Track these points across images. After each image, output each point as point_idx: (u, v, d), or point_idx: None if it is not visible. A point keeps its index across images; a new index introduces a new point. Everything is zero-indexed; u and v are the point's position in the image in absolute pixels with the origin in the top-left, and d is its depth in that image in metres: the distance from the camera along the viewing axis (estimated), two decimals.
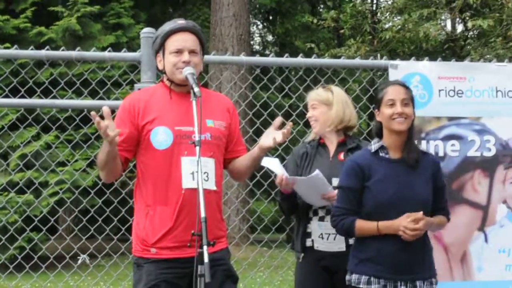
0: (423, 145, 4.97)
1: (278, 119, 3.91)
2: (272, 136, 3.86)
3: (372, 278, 4.00)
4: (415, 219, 3.89)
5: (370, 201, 4.01)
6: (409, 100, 4.08)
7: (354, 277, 4.07)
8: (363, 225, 4.01)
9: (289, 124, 3.90)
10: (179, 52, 3.88)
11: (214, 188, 3.87)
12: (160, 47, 3.95)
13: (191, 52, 3.90)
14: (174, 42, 3.90)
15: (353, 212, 4.05)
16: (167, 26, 3.95)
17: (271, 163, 4.43)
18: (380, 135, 4.16)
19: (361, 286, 4.02)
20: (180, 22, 3.97)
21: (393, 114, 4.00)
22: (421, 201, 4.01)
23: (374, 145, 4.15)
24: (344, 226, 4.05)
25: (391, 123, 4.03)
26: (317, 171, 4.35)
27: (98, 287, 10.24)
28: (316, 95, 4.70)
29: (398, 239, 3.95)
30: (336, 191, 4.28)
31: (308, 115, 4.70)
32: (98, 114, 3.55)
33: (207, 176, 3.78)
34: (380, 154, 4.11)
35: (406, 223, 3.89)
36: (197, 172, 3.55)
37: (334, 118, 4.67)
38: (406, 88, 4.13)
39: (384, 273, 3.98)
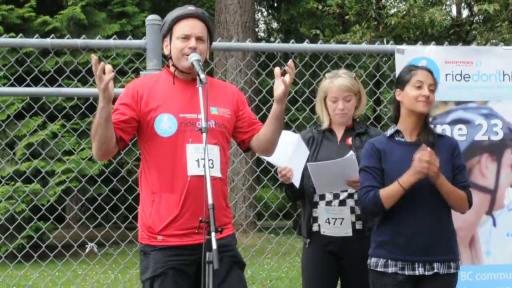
0: None
1: (277, 69, 3.81)
2: (279, 83, 3.79)
3: (389, 261, 4.01)
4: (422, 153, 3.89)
5: (388, 183, 4.00)
6: (434, 87, 4.12)
7: (373, 260, 4.09)
8: (386, 191, 3.98)
9: (288, 65, 3.83)
10: (186, 38, 3.85)
11: (219, 175, 3.85)
12: (168, 32, 3.93)
13: (198, 38, 3.88)
14: (182, 28, 3.88)
15: (376, 188, 4.04)
16: (177, 11, 3.94)
17: (288, 141, 4.39)
18: (396, 118, 4.18)
19: (378, 269, 4.04)
20: (190, 8, 3.95)
21: (419, 96, 4.03)
22: None
23: (390, 130, 4.17)
24: (370, 201, 4.02)
25: (416, 104, 4.05)
26: (351, 152, 4.33)
27: (106, 275, 10.26)
28: (350, 86, 4.59)
29: (415, 221, 3.97)
30: None
31: (340, 107, 4.58)
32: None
33: (212, 163, 3.76)
34: (396, 138, 4.13)
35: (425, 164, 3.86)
36: (204, 159, 3.54)
37: (363, 108, 4.68)
38: (433, 76, 4.17)
39: (401, 255, 3.99)
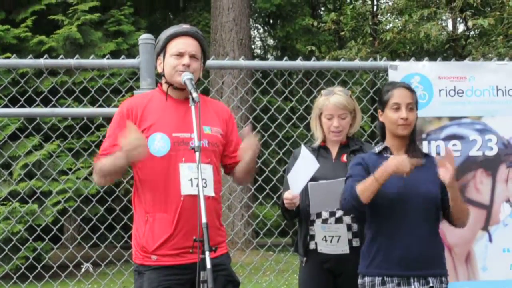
0: (424, 146, 4.95)
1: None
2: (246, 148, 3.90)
3: (385, 278, 3.98)
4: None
5: (377, 197, 3.96)
6: (414, 105, 4.10)
7: (368, 280, 4.04)
8: (362, 183, 3.91)
9: (245, 130, 3.93)
10: (180, 55, 3.89)
11: (213, 194, 3.86)
12: (161, 50, 3.96)
13: (192, 56, 3.91)
14: (176, 45, 3.91)
15: None
16: (171, 29, 3.98)
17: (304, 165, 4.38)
18: (383, 136, 4.19)
19: None
20: (184, 26, 4.01)
21: (398, 119, 4.01)
22: (429, 197, 4.01)
23: (378, 147, 4.17)
24: (348, 197, 3.95)
25: (395, 128, 4.05)
26: None
27: None
28: (346, 103, 4.57)
29: (410, 234, 3.94)
30: None
31: (335, 125, 4.57)
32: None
33: (205, 183, 3.76)
34: (384, 155, 4.12)
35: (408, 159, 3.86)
36: (197, 178, 3.55)
37: (357, 126, 4.67)
38: (412, 91, 4.14)
39: (395, 271, 3.97)
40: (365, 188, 3.90)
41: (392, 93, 4.08)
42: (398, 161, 3.84)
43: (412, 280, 3.97)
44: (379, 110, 4.16)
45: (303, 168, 4.36)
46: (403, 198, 3.95)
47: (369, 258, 4.06)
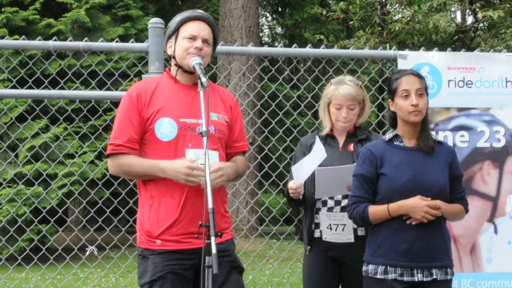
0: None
1: None
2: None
3: (388, 268, 3.98)
4: (433, 207, 3.91)
5: (386, 187, 3.99)
6: (424, 90, 4.09)
7: (371, 267, 4.05)
8: (375, 209, 4.00)
9: None
10: (193, 38, 3.90)
11: None
12: (173, 33, 3.96)
13: (204, 41, 3.92)
14: (189, 28, 3.92)
15: (366, 200, 4.05)
16: (185, 13, 3.99)
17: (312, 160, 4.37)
18: (394, 125, 4.17)
19: (378, 276, 4.01)
20: (199, 11, 4.03)
21: (408, 106, 4.00)
22: (437, 188, 4.00)
23: (388, 134, 4.15)
24: (358, 214, 4.04)
25: (407, 116, 4.04)
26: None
27: (107, 278, 10.25)
28: (355, 94, 4.55)
29: (413, 226, 3.94)
30: None
31: (343, 115, 4.55)
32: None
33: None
34: (395, 143, 4.11)
35: (426, 208, 3.89)
36: (203, 164, 3.54)
37: (365, 116, 4.66)
38: (420, 77, 4.13)
39: (400, 262, 3.96)
40: (377, 217, 4.01)
41: (400, 80, 4.07)
42: (414, 206, 3.92)
43: (416, 271, 3.97)
44: (389, 100, 4.15)
45: (311, 159, 4.36)
46: (410, 189, 3.95)
47: (374, 246, 4.07)
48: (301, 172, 4.40)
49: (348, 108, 4.55)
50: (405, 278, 3.96)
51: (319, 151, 4.33)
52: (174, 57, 3.96)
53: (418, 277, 3.97)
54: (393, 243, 3.99)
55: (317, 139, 4.46)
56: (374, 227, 4.10)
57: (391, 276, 3.98)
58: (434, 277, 3.98)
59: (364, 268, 4.10)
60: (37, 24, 15.22)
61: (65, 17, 15.35)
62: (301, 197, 4.49)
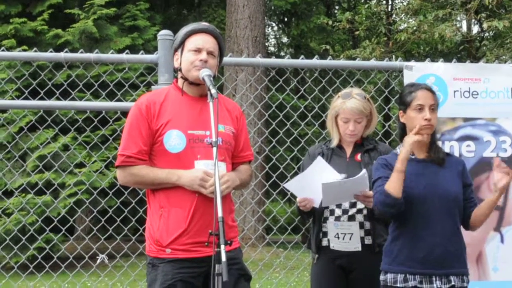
0: None
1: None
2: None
3: (408, 275, 4.00)
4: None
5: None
6: (436, 106, 4.14)
7: (390, 276, 4.06)
8: (388, 181, 3.97)
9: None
10: (198, 51, 3.94)
11: None
12: (179, 45, 4.01)
13: (209, 53, 3.96)
14: (194, 41, 3.96)
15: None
16: (191, 26, 4.04)
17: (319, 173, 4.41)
18: (403, 136, 4.19)
19: (398, 285, 4.01)
20: (204, 24, 4.07)
21: (422, 120, 4.04)
22: (452, 196, 4.03)
23: (399, 148, 4.18)
24: (380, 198, 3.99)
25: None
26: (364, 171, 4.30)
27: (116, 287, 10.30)
28: (362, 109, 4.58)
29: (434, 234, 3.97)
30: (371, 192, 4.22)
31: (350, 128, 4.58)
32: None
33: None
34: None
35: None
36: (214, 173, 3.56)
37: (372, 127, 4.70)
38: (433, 93, 4.17)
39: (419, 269, 3.98)
40: (393, 183, 3.94)
41: (415, 94, 4.10)
42: (406, 142, 3.97)
43: (434, 278, 3.98)
44: (401, 111, 4.18)
45: (313, 175, 4.40)
46: (425, 198, 3.98)
47: (392, 255, 4.08)
48: (300, 187, 4.44)
49: (356, 121, 4.58)
50: (424, 286, 3.97)
51: (322, 170, 4.38)
52: (180, 70, 4.00)
53: (437, 284, 3.98)
54: (410, 251, 4.01)
55: (319, 158, 4.50)
56: (391, 236, 4.13)
57: (411, 283, 3.99)
58: (452, 283, 3.99)
59: (382, 277, 4.11)
60: (45, 34, 15.31)
61: (73, 28, 15.44)
62: (317, 205, 4.51)
